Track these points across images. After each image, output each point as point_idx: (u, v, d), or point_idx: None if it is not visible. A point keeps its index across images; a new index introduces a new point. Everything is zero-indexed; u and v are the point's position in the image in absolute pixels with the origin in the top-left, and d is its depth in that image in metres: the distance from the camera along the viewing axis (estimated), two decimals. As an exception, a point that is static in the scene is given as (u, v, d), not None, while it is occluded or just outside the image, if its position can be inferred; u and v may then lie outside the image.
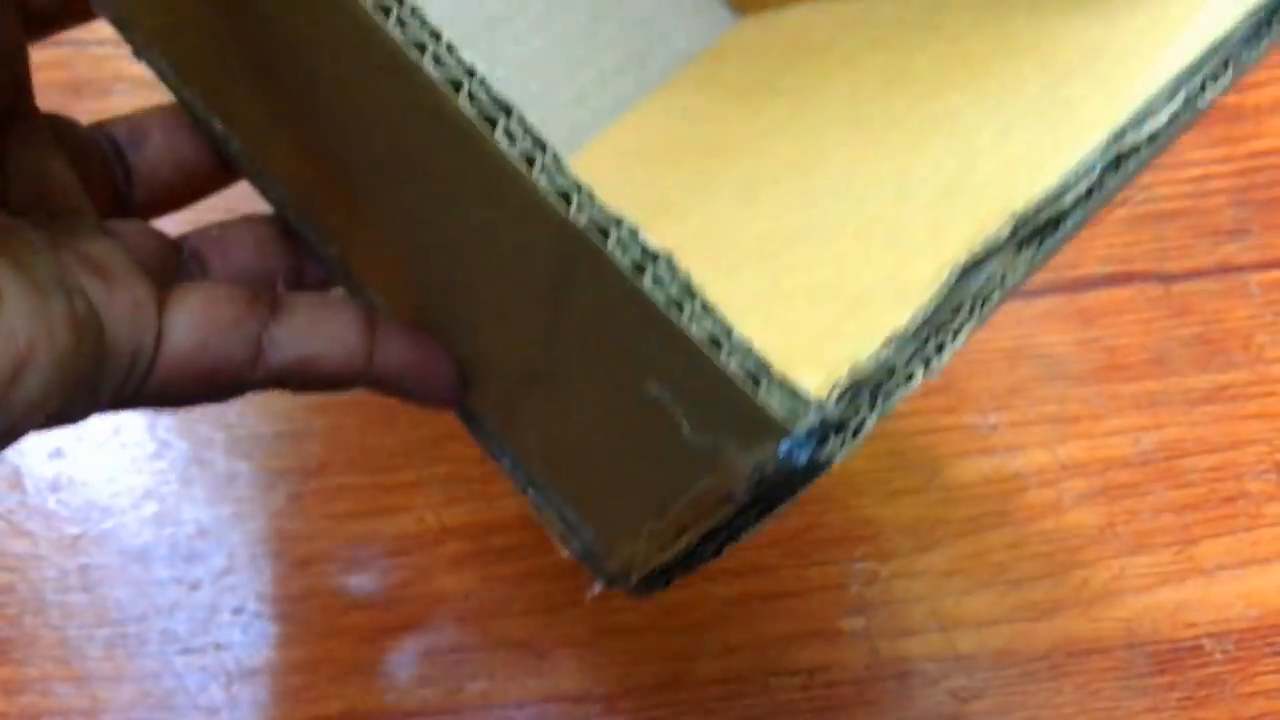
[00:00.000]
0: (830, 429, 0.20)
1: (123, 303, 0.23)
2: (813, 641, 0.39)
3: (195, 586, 0.40)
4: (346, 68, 0.23)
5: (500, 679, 0.38)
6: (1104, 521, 0.41)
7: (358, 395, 0.42)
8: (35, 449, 0.42)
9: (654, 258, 0.20)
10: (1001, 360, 0.44)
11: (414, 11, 0.20)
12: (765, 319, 0.21)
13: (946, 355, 0.21)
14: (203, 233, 0.29)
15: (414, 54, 0.20)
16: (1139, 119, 0.23)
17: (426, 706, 0.38)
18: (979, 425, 0.43)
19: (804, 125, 0.31)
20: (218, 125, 0.29)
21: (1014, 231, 0.22)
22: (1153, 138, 0.23)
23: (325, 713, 0.38)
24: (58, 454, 0.42)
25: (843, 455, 0.20)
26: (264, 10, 0.24)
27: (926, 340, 0.22)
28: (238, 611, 0.39)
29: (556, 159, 0.20)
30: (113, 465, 0.42)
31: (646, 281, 0.20)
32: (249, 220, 0.30)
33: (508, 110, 0.20)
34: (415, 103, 0.21)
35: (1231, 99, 0.51)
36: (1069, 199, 0.22)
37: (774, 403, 0.19)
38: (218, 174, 0.30)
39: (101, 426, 0.42)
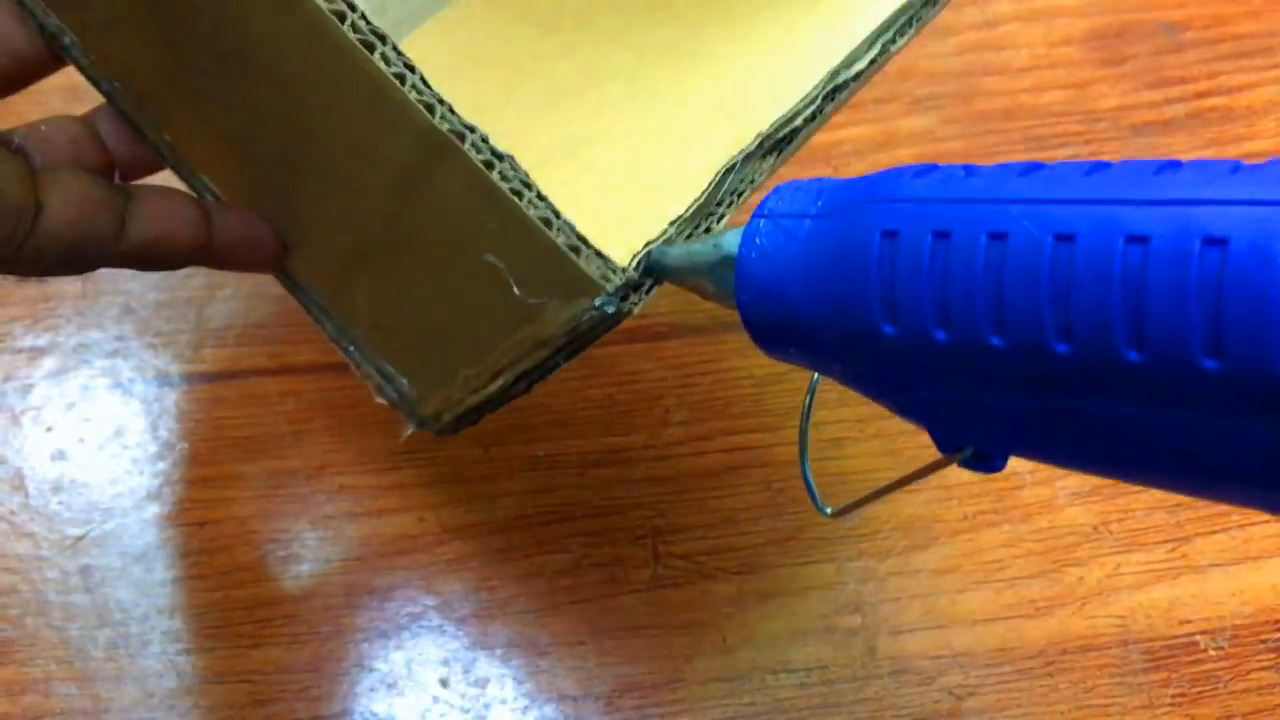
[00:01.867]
0: (631, 288, 0.27)
1: (7, 175, 0.27)
2: (810, 639, 0.39)
3: (199, 587, 0.40)
4: None
5: (501, 678, 0.39)
6: (1098, 520, 0.41)
7: (357, 398, 0.43)
8: (37, 451, 0.42)
9: (500, 157, 0.25)
10: (996, 360, 0.44)
11: None
12: (575, 204, 0.26)
13: (715, 224, 0.29)
14: (29, 128, 0.31)
15: None
16: (848, 62, 0.30)
17: (427, 706, 0.38)
18: (974, 425, 0.43)
19: (589, 48, 0.38)
20: (53, 21, 0.32)
21: (761, 144, 0.29)
22: (857, 75, 0.30)
23: (327, 712, 0.38)
24: (60, 456, 0.42)
25: (639, 308, 0.27)
26: None
27: (697, 224, 0.28)
28: (240, 611, 0.40)
29: (423, 78, 0.25)
30: (114, 467, 0.42)
31: (495, 175, 0.25)
32: (67, 119, 0.32)
33: (383, 38, 0.25)
34: (293, 22, 0.25)
35: (1223, 100, 0.51)
36: (799, 120, 0.30)
37: (591, 268, 0.25)
38: (44, 63, 0.32)
39: (103, 429, 0.43)
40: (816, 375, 0.28)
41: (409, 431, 0.35)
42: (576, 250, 0.25)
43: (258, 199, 0.33)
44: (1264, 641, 0.39)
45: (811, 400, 0.28)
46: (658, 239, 0.27)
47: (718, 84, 0.33)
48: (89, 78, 0.33)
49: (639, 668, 0.39)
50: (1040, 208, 0.19)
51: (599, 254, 0.26)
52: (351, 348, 0.35)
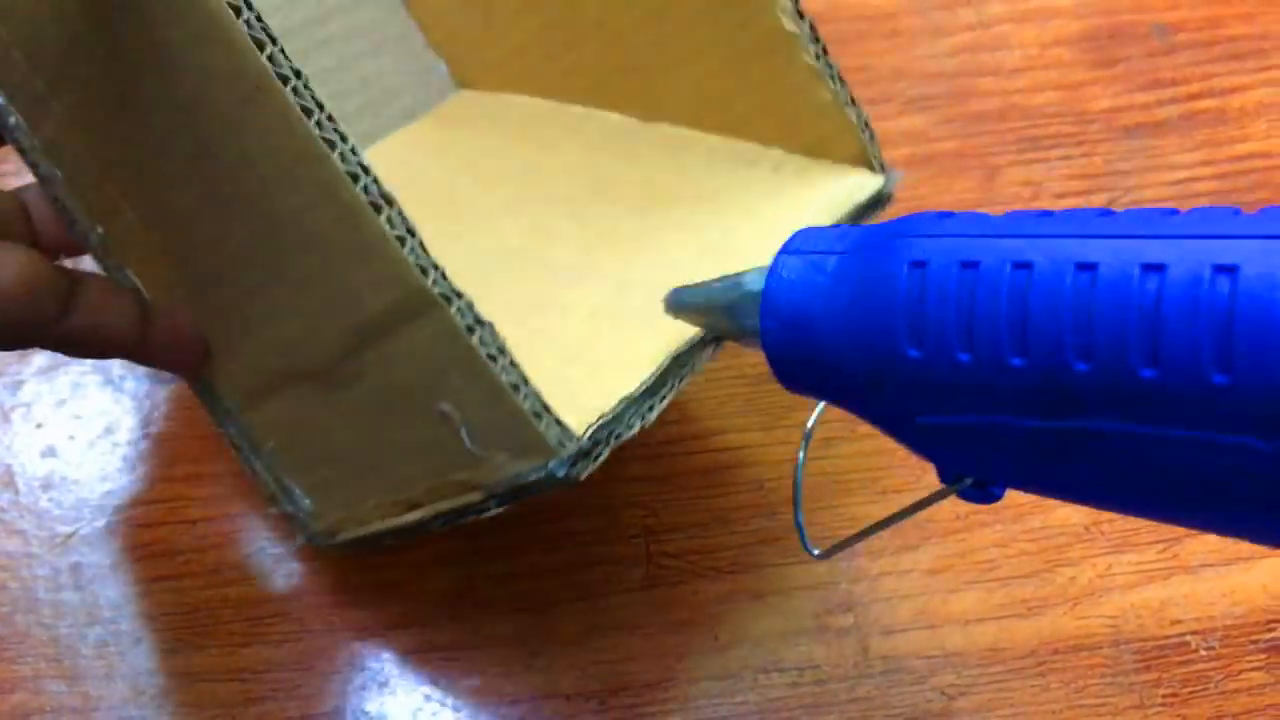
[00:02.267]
0: (582, 455, 0.29)
1: None
2: (802, 639, 0.39)
3: (189, 585, 0.40)
4: (211, 102, 0.27)
5: (493, 677, 0.39)
6: (1090, 520, 0.41)
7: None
8: (27, 448, 0.42)
9: (481, 324, 0.27)
10: (989, 360, 0.44)
11: (320, 107, 0.25)
12: (529, 369, 0.28)
13: (654, 414, 0.31)
14: None
15: (322, 147, 0.25)
16: None
17: (420, 704, 0.38)
18: (967, 425, 0.43)
19: (532, 213, 0.39)
20: None
21: (704, 338, 0.31)
22: None
23: (318, 710, 0.38)
24: (50, 452, 0.42)
25: (584, 474, 0.29)
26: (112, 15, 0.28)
27: (645, 402, 0.31)
28: (230, 610, 0.40)
29: (422, 244, 0.26)
30: (105, 464, 0.42)
31: (474, 340, 0.27)
32: (1, 194, 0.32)
33: (390, 201, 0.26)
34: (303, 171, 0.26)
35: (1215, 103, 0.51)
36: None
37: (550, 434, 0.28)
38: None
39: (94, 426, 0.43)
40: (810, 424, 0.30)
41: (299, 543, 0.37)
42: (539, 416, 0.28)
43: (189, 304, 0.34)
44: (1255, 642, 0.39)
45: (807, 445, 0.30)
46: (609, 414, 0.29)
47: (662, 272, 0.34)
48: (27, 161, 0.33)
49: (631, 666, 0.39)
50: (1062, 241, 0.21)
51: (558, 422, 0.28)
52: (253, 457, 0.36)
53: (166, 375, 0.43)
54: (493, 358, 0.27)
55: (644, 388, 0.30)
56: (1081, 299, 0.20)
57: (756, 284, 0.26)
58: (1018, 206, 0.48)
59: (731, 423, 0.43)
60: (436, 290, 0.27)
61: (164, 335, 0.32)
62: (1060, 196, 0.48)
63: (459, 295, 0.27)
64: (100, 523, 0.41)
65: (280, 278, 0.30)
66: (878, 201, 0.35)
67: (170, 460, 0.42)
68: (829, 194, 0.35)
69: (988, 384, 0.21)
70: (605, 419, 0.29)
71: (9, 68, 0.31)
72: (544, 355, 0.30)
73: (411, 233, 0.26)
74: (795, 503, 0.30)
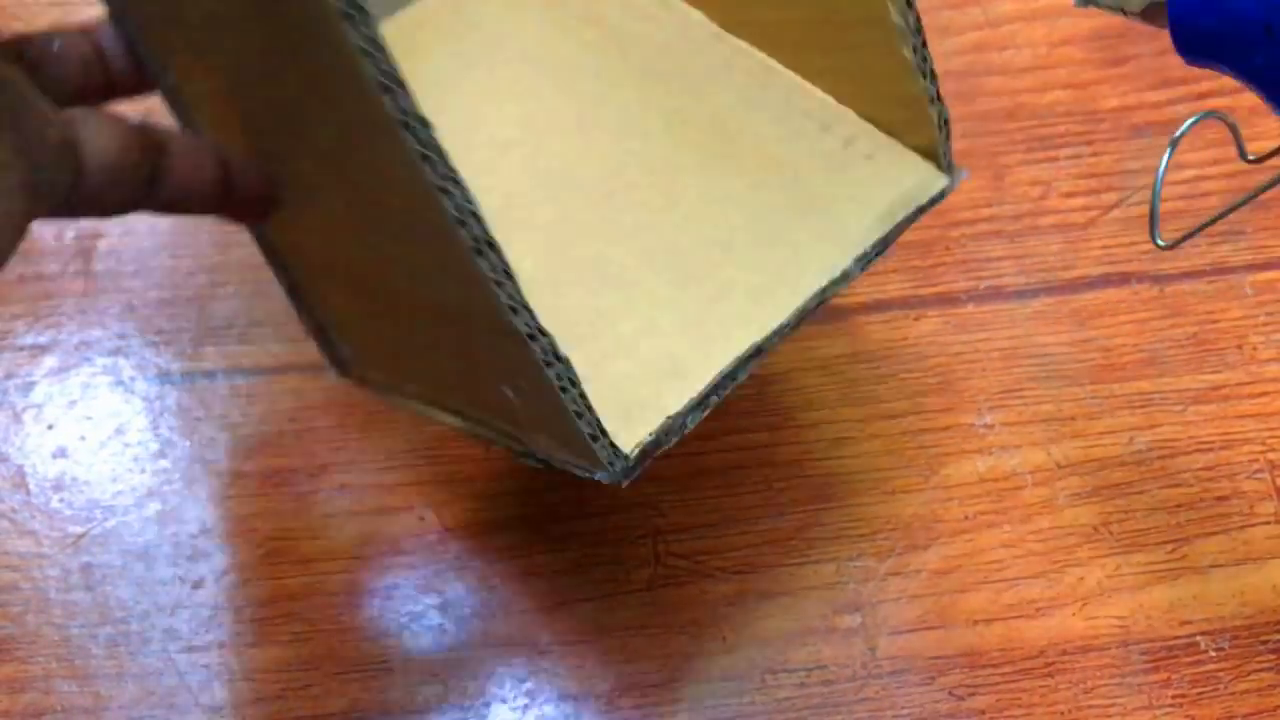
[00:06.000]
0: (630, 470, 0.31)
1: (49, 125, 0.27)
2: (810, 639, 0.39)
3: (198, 585, 0.40)
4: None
5: (500, 677, 0.39)
6: (1099, 520, 0.41)
7: (357, 398, 0.43)
8: (38, 449, 0.42)
9: (559, 359, 0.28)
10: (997, 360, 0.44)
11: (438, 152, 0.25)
12: (591, 379, 0.29)
13: (693, 425, 0.32)
14: (41, 48, 0.31)
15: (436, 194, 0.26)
16: (857, 265, 0.34)
17: (427, 704, 0.38)
18: (975, 425, 0.43)
19: (597, 137, 0.38)
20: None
21: (758, 351, 0.33)
22: (859, 271, 0.34)
23: (327, 711, 0.38)
24: (61, 453, 0.42)
25: (627, 482, 0.31)
26: None
27: (689, 415, 0.32)
28: (240, 610, 0.40)
29: (518, 288, 0.27)
30: (115, 465, 0.42)
31: (552, 374, 0.28)
32: (78, 36, 0.32)
33: (492, 244, 0.26)
34: (424, 220, 0.27)
35: (1225, 101, 0.51)
36: (796, 318, 0.33)
37: (602, 453, 0.30)
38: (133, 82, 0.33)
39: (105, 427, 0.43)
40: (1180, 133, 0.31)
41: (329, 370, 0.39)
42: (595, 439, 0.30)
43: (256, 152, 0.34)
44: (1264, 643, 0.39)
45: (1172, 151, 0.31)
46: (657, 431, 0.31)
47: (725, 272, 0.35)
48: (111, 8, 0.32)
49: (639, 666, 0.39)
50: None
51: (612, 445, 0.30)
52: (302, 310, 0.38)
53: (176, 375, 0.44)
54: (564, 389, 0.29)
55: (690, 404, 0.32)
56: None
57: None
58: (1027, 206, 0.48)
59: (739, 423, 0.43)
60: (524, 330, 0.28)
61: (243, 191, 0.32)
62: (1069, 196, 0.48)
63: (543, 334, 0.28)
64: (111, 523, 0.41)
65: (383, 265, 0.32)
66: (936, 200, 0.36)
67: (181, 461, 0.42)
68: (891, 193, 0.35)
69: None
70: (652, 436, 0.31)
71: None
72: (602, 342, 0.32)
73: (509, 275, 0.27)
74: (1154, 195, 0.31)
